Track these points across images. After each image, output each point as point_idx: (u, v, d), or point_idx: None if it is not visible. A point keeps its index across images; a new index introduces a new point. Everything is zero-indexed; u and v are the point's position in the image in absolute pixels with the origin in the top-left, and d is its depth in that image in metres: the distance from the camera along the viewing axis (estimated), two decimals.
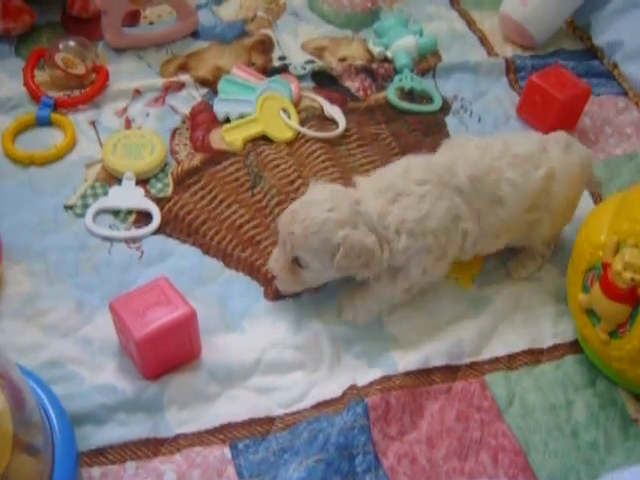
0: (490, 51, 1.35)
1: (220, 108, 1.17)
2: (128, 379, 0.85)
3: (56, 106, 1.15)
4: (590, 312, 0.86)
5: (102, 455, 0.79)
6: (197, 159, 1.10)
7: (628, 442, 0.84)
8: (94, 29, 1.27)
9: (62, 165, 1.08)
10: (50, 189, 1.05)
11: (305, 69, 1.26)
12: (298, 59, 1.29)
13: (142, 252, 0.98)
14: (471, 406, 0.86)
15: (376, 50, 1.30)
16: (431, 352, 0.90)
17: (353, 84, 1.26)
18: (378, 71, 1.28)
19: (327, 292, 0.94)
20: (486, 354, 0.91)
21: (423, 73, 1.29)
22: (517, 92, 1.26)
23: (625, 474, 0.73)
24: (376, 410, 0.84)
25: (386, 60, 1.30)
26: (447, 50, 1.34)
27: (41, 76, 1.20)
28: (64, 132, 1.12)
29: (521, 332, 0.93)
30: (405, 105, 1.22)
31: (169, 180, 1.07)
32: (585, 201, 1.09)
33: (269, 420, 0.83)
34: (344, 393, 0.85)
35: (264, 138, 1.14)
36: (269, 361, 0.88)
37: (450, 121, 1.21)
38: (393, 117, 1.21)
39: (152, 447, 0.80)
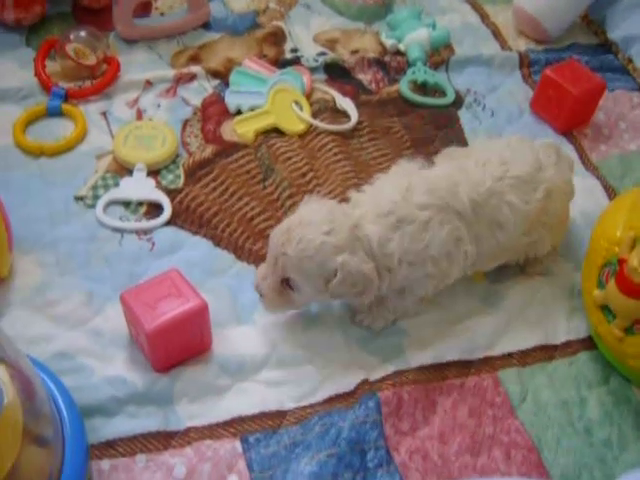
0: (503, 45, 1.34)
1: (232, 100, 1.16)
2: (138, 371, 0.84)
3: (67, 97, 1.14)
4: (605, 308, 0.85)
5: (112, 447, 0.79)
6: (208, 151, 1.10)
7: None
8: (105, 20, 1.27)
9: (73, 156, 1.08)
10: (61, 180, 1.04)
11: (317, 61, 1.25)
12: (310, 51, 1.28)
13: (153, 244, 0.98)
14: (484, 402, 0.85)
15: (389, 43, 1.29)
16: (444, 348, 0.89)
17: (365, 77, 1.25)
18: (391, 64, 1.27)
19: None
20: (499, 350, 0.90)
21: (436, 66, 1.28)
22: (530, 86, 1.25)
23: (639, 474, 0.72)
24: (388, 405, 0.83)
25: (399, 53, 1.29)
26: (460, 43, 1.33)
27: (52, 66, 1.19)
28: (75, 123, 1.11)
29: (534, 328, 0.93)
30: (418, 98, 1.21)
31: (180, 172, 1.07)
32: (600, 197, 1.09)
33: (280, 414, 0.83)
34: (356, 388, 0.85)
35: (276, 130, 1.13)
36: (280, 354, 0.87)
37: (463, 115, 1.20)
38: (405, 110, 1.20)
39: (162, 440, 0.80)
